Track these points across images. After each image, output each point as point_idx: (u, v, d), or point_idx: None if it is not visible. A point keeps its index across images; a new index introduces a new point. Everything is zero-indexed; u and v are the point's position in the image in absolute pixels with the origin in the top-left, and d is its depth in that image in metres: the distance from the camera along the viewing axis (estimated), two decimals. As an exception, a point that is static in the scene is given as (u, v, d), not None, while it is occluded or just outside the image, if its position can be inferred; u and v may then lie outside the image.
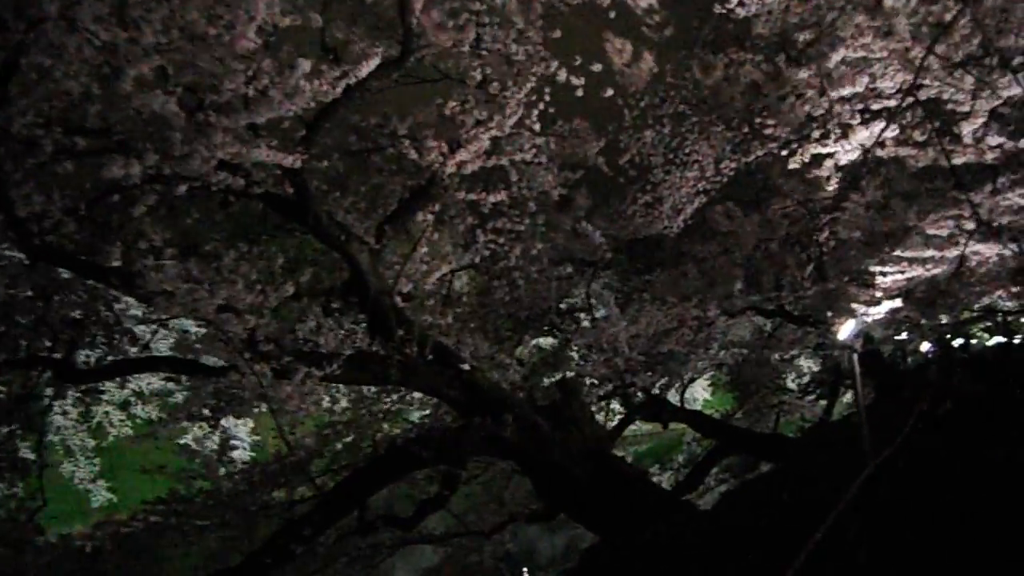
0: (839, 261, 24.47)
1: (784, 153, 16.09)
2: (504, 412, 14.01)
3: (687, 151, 19.58)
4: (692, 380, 27.36)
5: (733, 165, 19.90)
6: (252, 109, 11.80)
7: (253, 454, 22.68)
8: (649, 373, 21.95)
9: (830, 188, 16.05)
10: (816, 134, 14.59)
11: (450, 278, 18.03)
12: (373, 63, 12.87)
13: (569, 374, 19.77)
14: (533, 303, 22.04)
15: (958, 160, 14.37)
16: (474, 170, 15.62)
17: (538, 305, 22.10)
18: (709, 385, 36.04)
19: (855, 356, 16.00)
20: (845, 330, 16.52)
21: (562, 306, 23.12)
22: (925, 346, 31.21)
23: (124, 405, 25.21)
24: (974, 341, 32.54)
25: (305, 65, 11.78)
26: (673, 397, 27.50)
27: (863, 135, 14.04)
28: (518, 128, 15.85)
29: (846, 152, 14.56)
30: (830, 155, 14.98)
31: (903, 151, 14.46)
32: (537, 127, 15.87)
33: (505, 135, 15.10)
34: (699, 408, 38.30)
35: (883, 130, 13.77)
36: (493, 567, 24.38)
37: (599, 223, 21.29)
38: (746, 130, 18.90)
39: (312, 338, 14.53)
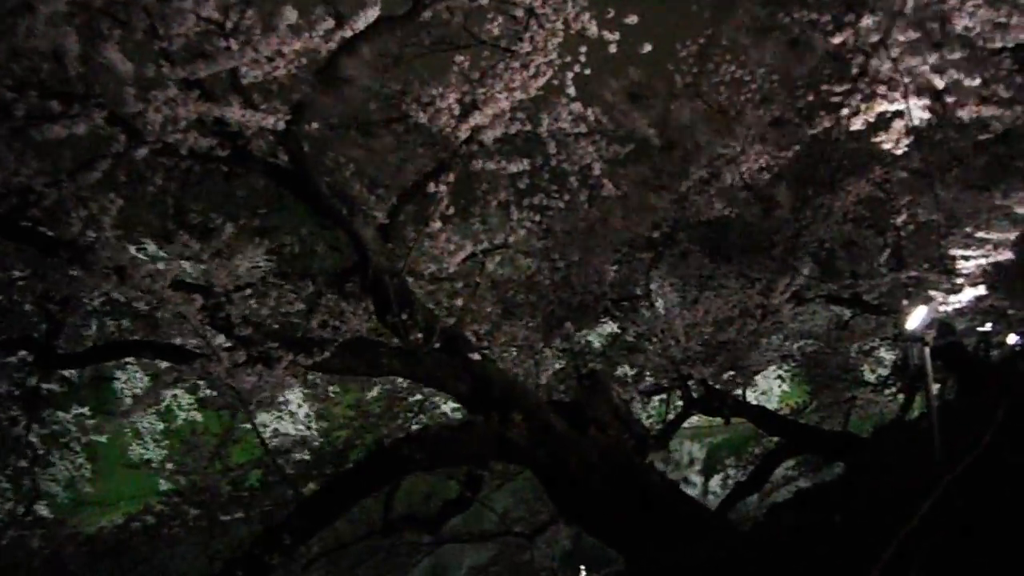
0: (919, 247, 21.92)
1: (846, 112, 13.56)
2: (513, 409, 11.79)
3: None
4: (756, 372, 24.76)
5: (798, 137, 17.36)
6: (214, 59, 9.87)
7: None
8: (707, 365, 19.54)
9: (900, 151, 13.38)
10: (883, 89, 11.96)
11: (483, 259, 15.77)
12: (372, 14, 10.87)
13: (597, 366, 17.42)
14: (586, 288, 19.79)
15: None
16: (498, 137, 13.57)
17: (592, 290, 19.84)
18: (776, 377, 32.96)
19: (927, 349, 13.27)
20: (915, 319, 13.67)
21: (621, 292, 20.68)
22: (1012, 338, 28.21)
23: (193, 387, 23.48)
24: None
25: (290, 14, 9.92)
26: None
27: (936, 86, 11.43)
28: (553, 94, 13.86)
29: (917, 109, 12.00)
30: (899, 114, 12.45)
31: (986, 110, 11.90)
32: (572, 91, 13.72)
33: (530, 97, 12.95)
34: (775, 401, 35.79)
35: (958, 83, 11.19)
36: (546, 566, 22.14)
37: (657, 203, 19.03)
38: (811, 97, 16.45)
39: (306, 322, 12.65)
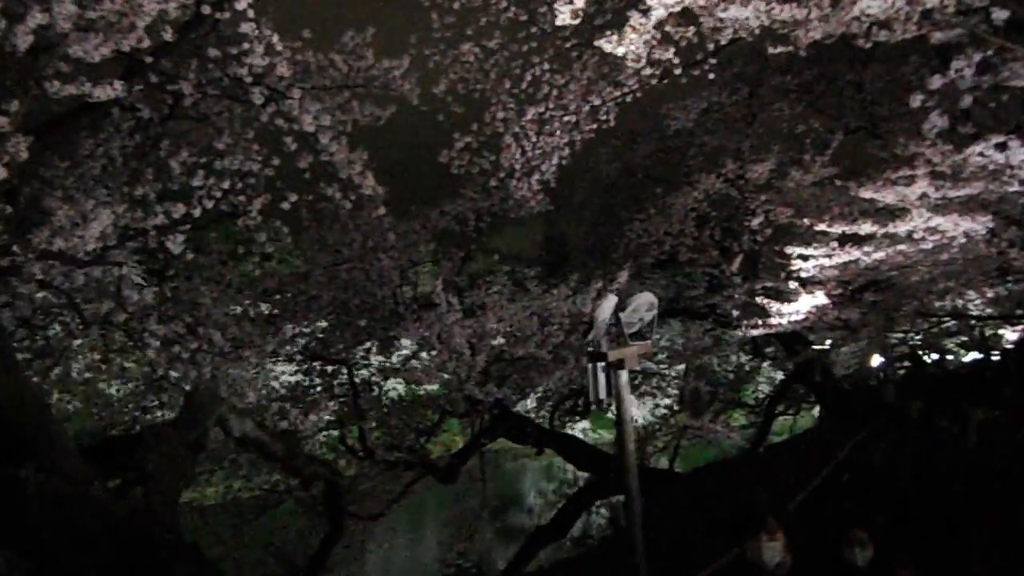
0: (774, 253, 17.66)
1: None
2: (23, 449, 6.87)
3: (530, 79, 12.39)
4: (565, 396, 19.62)
5: (597, 102, 12.63)
6: None
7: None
8: (501, 384, 14.91)
9: (640, 65, 8.58)
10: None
11: (156, 236, 10.95)
12: None
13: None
14: (365, 290, 15.26)
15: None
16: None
17: (371, 293, 15.28)
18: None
19: (623, 373, 7.35)
20: (598, 328, 7.69)
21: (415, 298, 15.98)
22: (876, 360, 23.75)
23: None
24: (950, 356, 25.18)
25: None
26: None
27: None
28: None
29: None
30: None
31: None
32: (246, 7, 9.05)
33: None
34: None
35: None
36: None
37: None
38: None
39: None
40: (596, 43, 8.12)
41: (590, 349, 7.18)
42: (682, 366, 21.36)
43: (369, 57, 11.04)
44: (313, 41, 10.61)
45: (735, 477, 15.72)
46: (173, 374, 11.82)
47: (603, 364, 7.12)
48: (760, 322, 16.36)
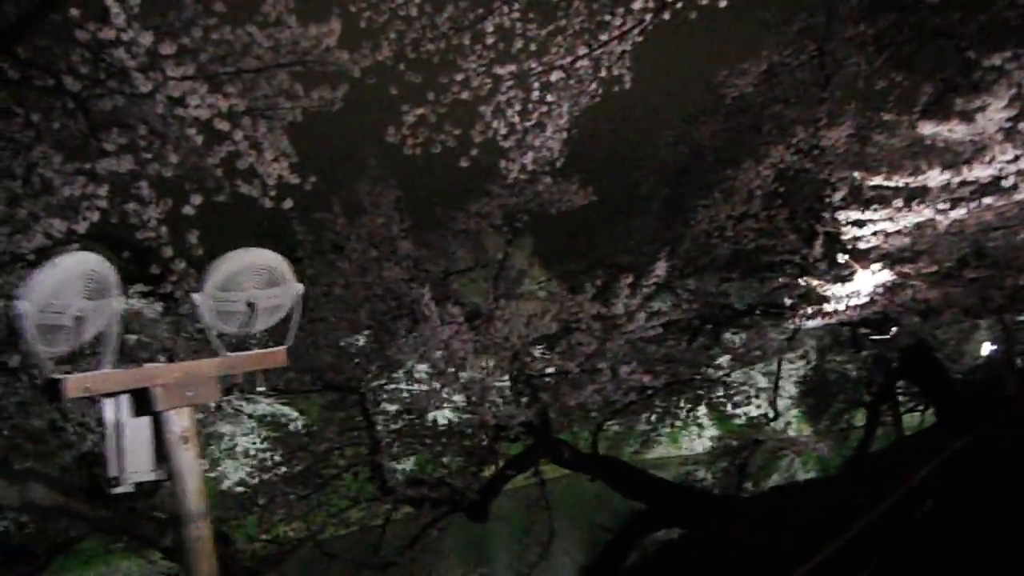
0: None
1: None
2: None
3: (492, 30, 9.66)
4: (617, 411, 15.96)
5: (583, 51, 9.78)
6: None
7: None
8: (528, 405, 12.08)
9: None
10: None
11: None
12: None
13: None
14: (369, 307, 12.85)
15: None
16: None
17: (379, 311, 12.86)
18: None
19: (171, 419, 3.42)
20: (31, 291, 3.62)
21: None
22: (987, 347, 19.99)
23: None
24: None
25: None
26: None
27: None
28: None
29: None
30: None
31: None
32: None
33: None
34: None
35: None
36: None
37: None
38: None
39: None
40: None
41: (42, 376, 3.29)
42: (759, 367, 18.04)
43: (293, 25, 8.53)
44: (228, 16, 8.23)
45: (801, 505, 12.63)
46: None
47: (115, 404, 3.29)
48: (812, 310, 13.19)
